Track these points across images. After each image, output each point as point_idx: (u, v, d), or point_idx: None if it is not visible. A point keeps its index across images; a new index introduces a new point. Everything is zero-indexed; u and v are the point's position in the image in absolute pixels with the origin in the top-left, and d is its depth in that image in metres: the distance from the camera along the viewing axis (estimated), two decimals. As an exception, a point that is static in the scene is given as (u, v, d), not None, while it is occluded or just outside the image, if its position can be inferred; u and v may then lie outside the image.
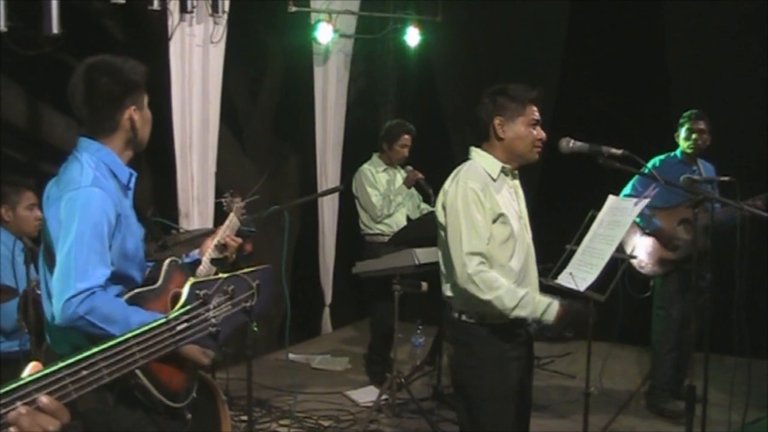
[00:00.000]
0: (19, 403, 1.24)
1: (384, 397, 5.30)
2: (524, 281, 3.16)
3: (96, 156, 2.45)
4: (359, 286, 6.67)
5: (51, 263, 2.39)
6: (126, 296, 2.44)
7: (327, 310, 7.51)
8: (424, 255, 5.11)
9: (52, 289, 2.34)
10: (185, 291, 1.42)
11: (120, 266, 2.45)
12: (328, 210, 7.25)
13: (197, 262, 2.86)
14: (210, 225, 5.41)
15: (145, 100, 2.55)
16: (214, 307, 1.44)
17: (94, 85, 2.42)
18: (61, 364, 1.30)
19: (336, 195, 6.97)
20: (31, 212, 4.20)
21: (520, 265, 3.14)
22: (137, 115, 2.49)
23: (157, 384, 2.43)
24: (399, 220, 5.98)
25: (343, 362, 6.66)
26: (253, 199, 4.84)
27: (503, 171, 3.18)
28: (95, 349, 1.34)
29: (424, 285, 5.24)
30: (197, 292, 1.42)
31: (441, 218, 3.16)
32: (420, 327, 6.70)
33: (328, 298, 7.44)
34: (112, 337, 2.03)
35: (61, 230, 2.32)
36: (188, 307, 1.40)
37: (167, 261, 2.60)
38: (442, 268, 3.23)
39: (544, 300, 3.01)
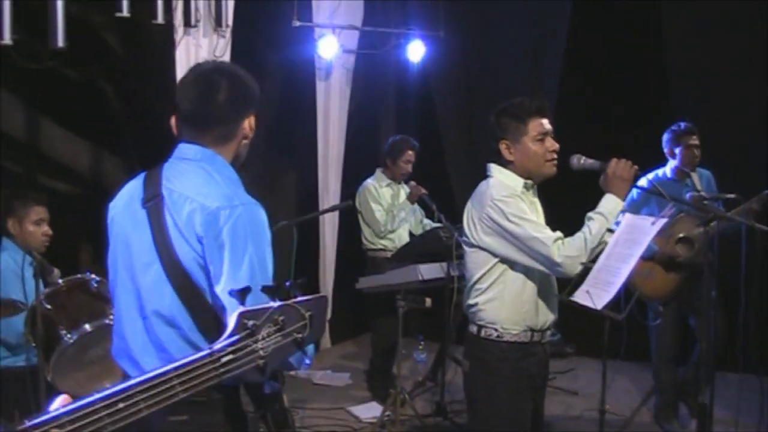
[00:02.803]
0: None
1: (387, 413, 5.27)
2: (545, 294, 3.12)
3: (226, 171, 2.28)
4: (359, 302, 6.64)
5: (179, 276, 2.09)
6: None
7: (326, 326, 7.46)
8: (428, 271, 5.10)
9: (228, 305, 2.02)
10: (232, 321, 1.34)
11: None
12: (329, 225, 7.21)
13: None
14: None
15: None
16: (263, 339, 1.35)
17: (222, 87, 2.20)
18: (97, 396, 1.26)
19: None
20: (39, 228, 4.06)
21: (541, 278, 3.10)
22: (250, 128, 2.31)
23: None
24: (402, 236, 5.95)
25: (344, 378, 6.63)
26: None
27: (525, 186, 3.13)
28: (133, 381, 1.29)
29: (428, 301, 5.20)
30: (245, 321, 1.34)
31: (487, 238, 3.07)
32: (422, 343, 6.68)
33: (328, 314, 7.39)
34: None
35: (229, 246, 2.09)
36: (235, 338, 1.33)
37: None
38: (471, 280, 3.16)
39: (602, 207, 3.02)
